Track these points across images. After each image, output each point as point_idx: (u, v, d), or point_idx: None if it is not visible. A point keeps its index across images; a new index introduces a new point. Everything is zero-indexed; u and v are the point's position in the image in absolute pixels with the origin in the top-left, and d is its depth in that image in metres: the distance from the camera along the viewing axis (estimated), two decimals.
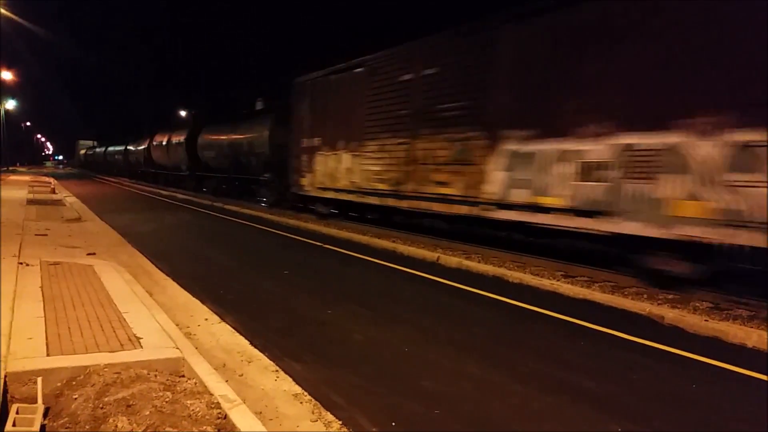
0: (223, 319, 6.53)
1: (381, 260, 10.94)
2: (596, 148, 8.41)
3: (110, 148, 55.47)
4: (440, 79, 11.43)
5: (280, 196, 19.52)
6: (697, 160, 7.26)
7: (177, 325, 5.74)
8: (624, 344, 6.12)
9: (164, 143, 32.66)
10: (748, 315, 6.86)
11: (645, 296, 7.81)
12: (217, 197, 24.44)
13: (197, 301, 7.26)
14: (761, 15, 6.73)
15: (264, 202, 21.43)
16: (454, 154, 11.03)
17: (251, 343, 5.67)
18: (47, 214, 15.82)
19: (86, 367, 4.31)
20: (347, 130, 14.51)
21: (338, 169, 15.00)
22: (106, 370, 4.29)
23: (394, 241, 12.46)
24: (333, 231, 14.47)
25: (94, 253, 9.85)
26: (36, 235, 11.65)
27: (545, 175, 9.19)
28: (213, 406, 3.90)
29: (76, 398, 3.88)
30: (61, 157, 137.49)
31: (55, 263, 8.41)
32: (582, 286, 8.41)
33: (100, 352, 4.67)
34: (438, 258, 10.85)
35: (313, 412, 4.16)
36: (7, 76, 42.86)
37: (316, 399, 4.37)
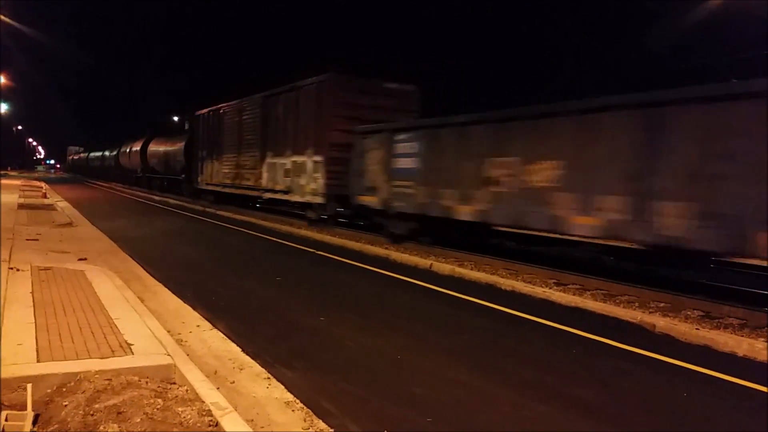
0: (215, 325, 6.51)
1: (374, 267, 10.94)
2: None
3: (92, 154, 63.37)
4: (249, 121, 21.20)
5: (193, 191, 27.63)
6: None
7: (168, 331, 5.71)
8: (616, 352, 6.14)
9: (128, 151, 40.84)
10: (738, 324, 6.91)
11: (637, 305, 7.84)
12: (163, 194, 32.18)
13: (189, 307, 7.24)
14: None
15: (184, 194, 29.44)
16: (251, 163, 20.55)
17: (243, 350, 5.66)
18: (38, 219, 15.75)
19: (77, 373, 4.28)
20: (218, 147, 24.28)
21: (214, 171, 24.75)
22: (96, 376, 4.26)
23: (386, 248, 12.49)
24: (326, 237, 14.47)
25: (85, 258, 9.79)
26: (27, 239, 11.58)
27: (276, 174, 18.50)
28: (204, 413, 3.88)
29: (66, 405, 3.84)
30: (53, 162, 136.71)
31: (46, 268, 8.36)
32: (574, 294, 8.44)
33: (90, 358, 4.64)
34: (431, 265, 10.87)
35: (305, 420, 4.15)
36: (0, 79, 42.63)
37: (308, 407, 4.36)
